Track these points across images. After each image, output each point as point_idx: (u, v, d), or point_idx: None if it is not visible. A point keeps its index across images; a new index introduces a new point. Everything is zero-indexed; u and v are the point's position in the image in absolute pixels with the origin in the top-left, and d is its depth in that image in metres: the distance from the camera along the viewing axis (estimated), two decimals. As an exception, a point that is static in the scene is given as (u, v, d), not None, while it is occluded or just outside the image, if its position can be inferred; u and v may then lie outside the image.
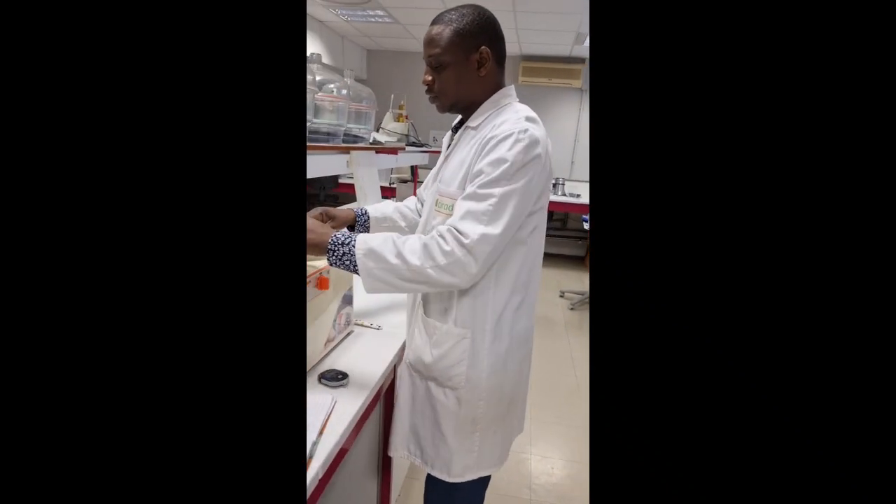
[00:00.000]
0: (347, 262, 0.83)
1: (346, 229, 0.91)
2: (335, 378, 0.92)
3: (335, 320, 1.06)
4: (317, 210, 1.05)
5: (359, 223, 1.12)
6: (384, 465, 1.26)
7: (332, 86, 1.63)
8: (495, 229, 0.81)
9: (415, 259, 0.81)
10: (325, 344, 1.02)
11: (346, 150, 1.88)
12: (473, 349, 0.90)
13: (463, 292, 0.90)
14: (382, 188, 3.19)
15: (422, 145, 2.66)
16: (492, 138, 0.84)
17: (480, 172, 0.83)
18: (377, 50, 5.33)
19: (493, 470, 0.99)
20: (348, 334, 1.15)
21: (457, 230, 0.81)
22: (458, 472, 0.95)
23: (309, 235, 0.86)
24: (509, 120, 0.85)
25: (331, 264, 0.85)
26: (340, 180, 4.15)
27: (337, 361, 1.02)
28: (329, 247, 0.84)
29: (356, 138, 1.90)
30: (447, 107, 0.93)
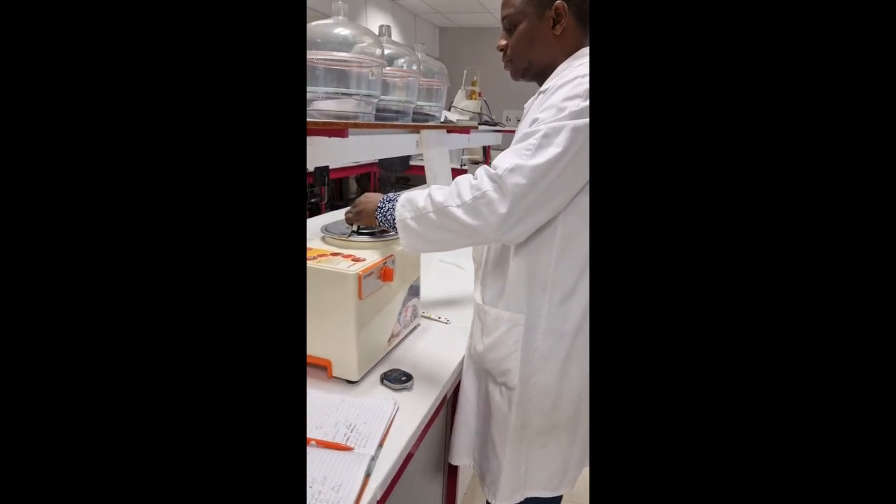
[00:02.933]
0: (389, 217, 0.79)
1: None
2: (398, 380, 0.84)
3: (401, 314, 0.98)
4: None
5: None
6: (450, 470, 1.17)
7: (401, 60, 1.54)
8: (532, 161, 0.68)
9: (440, 197, 0.72)
10: (389, 340, 0.94)
11: (416, 130, 1.79)
12: (528, 339, 0.78)
13: (518, 270, 0.77)
14: (453, 170, 3.09)
15: (495, 124, 2.52)
16: (552, 87, 0.73)
17: (536, 120, 0.71)
18: (450, 27, 5.19)
19: (543, 493, 0.85)
20: (415, 328, 1.07)
21: (492, 165, 0.71)
22: (504, 495, 0.84)
23: (359, 206, 0.86)
24: (576, 68, 0.73)
25: (379, 223, 0.83)
26: (412, 162, 4.10)
27: (402, 359, 0.94)
28: (379, 204, 0.81)
29: (427, 116, 1.79)
30: (520, 72, 0.83)
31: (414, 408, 0.78)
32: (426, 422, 0.78)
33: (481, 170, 0.72)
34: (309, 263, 0.82)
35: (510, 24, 0.80)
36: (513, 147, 0.72)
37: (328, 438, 0.67)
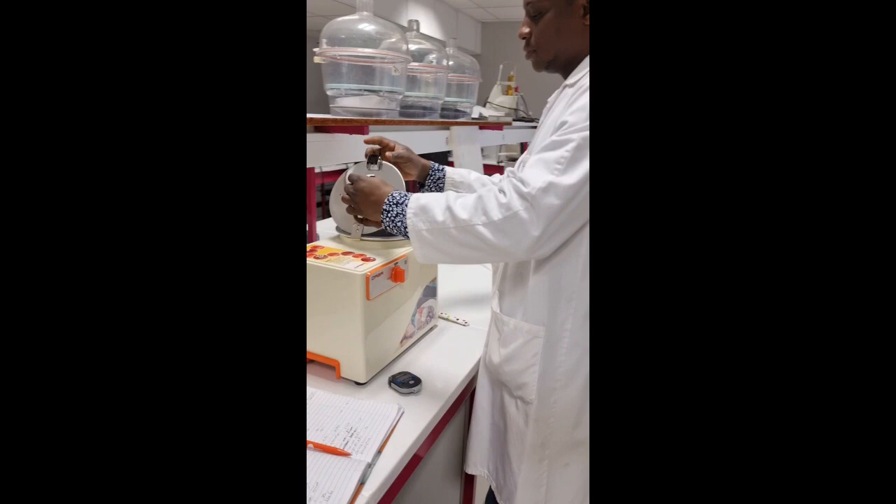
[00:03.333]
0: (399, 224, 0.72)
1: (404, 191, 0.78)
2: (406, 384, 0.82)
3: (415, 315, 0.95)
4: (378, 138, 0.94)
5: (430, 178, 0.98)
6: (467, 479, 1.15)
7: (431, 56, 1.51)
8: (567, 178, 0.63)
9: (463, 213, 0.67)
10: (402, 341, 0.92)
11: (446, 126, 1.76)
12: (547, 353, 0.73)
13: (540, 280, 0.72)
14: (490, 167, 3.05)
15: (531, 120, 2.46)
16: (580, 83, 0.68)
17: (564, 123, 0.66)
18: (492, 21, 5.12)
19: None
20: (431, 329, 1.04)
21: (520, 179, 0.65)
22: None
23: (369, 197, 0.77)
24: None
25: (386, 228, 0.75)
26: (451, 158, 4.07)
27: (414, 361, 0.92)
28: (384, 207, 0.74)
29: (457, 113, 1.76)
30: (545, 63, 0.77)
31: (420, 413, 0.76)
32: (430, 429, 0.75)
33: (508, 185, 0.66)
34: (318, 262, 0.81)
35: (535, 11, 0.75)
36: (541, 156, 0.66)
37: (327, 442, 0.66)
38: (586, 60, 0.74)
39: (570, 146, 0.64)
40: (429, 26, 3.99)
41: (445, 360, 0.93)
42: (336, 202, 0.90)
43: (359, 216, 0.82)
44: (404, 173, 0.94)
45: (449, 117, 1.73)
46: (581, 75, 0.73)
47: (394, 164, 0.93)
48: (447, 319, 1.10)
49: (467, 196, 0.69)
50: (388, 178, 0.89)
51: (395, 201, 0.73)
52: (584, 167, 0.63)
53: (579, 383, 0.73)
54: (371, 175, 0.87)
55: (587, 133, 0.63)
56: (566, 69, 0.76)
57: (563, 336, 0.73)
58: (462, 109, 1.78)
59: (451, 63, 1.61)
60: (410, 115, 1.47)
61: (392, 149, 0.93)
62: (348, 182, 0.82)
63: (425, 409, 0.78)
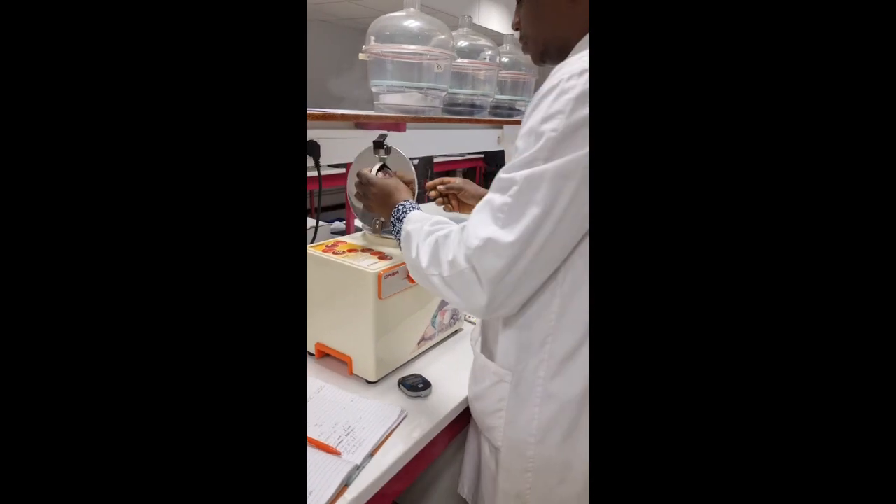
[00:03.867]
0: (398, 241, 0.72)
1: (413, 175, 0.75)
2: (415, 387, 0.80)
3: (436, 317, 0.94)
4: (438, 182, 0.96)
5: None
6: None
7: (486, 53, 1.48)
8: (508, 235, 0.55)
9: (424, 259, 0.63)
10: (419, 343, 0.91)
11: (498, 124, 1.72)
12: (514, 401, 0.66)
13: (509, 334, 0.65)
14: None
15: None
16: (536, 95, 0.58)
17: (517, 149, 0.58)
18: (570, 17, 4.95)
19: None
20: (454, 333, 1.02)
21: (466, 228, 0.60)
22: None
23: (383, 203, 0.77)
24: (569, 63, 0.56)
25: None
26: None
27: (431, 364, 0.90)
28: (391, 220, 0.74)
29: (512, 111, 1.72)
30: (539, 55, 0.68)
31: (425, 419, 0.74)
32: (432, 437, 0.73)
33: (458, 236, 0.60)
34: (333, 258, 0.81)
35: None
36: (490, 198, 0.58)
37: (322, 438, 0.66)
38: (574, 51, 0.63)
39: (513, 190, 0.55)
40: (501, 23, 3.93)
41: (462, 366, 0.90)
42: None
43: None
44: (463, 205, 0.97)
45: (503, 116, 1.68)
46: (559, 72, 0.60)
47: (449, 195, 0.97)
48: (473, 323, 1.07)
49: (433, 235, 0.64)
50: (398, 163, 0.89)
51: (397, 216, 0.72)
52: (529, 215, 0.54)
53: (556, 438, 0.64)
54: (380, 163, 0.87)
55: (530, 171, 0.54)
56: (560, 60, 0.65)
57: (536, 386, 0.64)
58: (518, 108, 1.73)
59: (505, 60, 1.57)
60: (458, 112, 1.45)
61: (448, 183, 0.95)
62: (357, 179, 0.81)
63: (432, 414, 0.76)
